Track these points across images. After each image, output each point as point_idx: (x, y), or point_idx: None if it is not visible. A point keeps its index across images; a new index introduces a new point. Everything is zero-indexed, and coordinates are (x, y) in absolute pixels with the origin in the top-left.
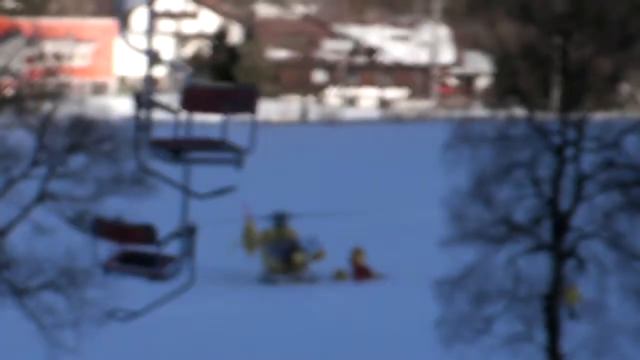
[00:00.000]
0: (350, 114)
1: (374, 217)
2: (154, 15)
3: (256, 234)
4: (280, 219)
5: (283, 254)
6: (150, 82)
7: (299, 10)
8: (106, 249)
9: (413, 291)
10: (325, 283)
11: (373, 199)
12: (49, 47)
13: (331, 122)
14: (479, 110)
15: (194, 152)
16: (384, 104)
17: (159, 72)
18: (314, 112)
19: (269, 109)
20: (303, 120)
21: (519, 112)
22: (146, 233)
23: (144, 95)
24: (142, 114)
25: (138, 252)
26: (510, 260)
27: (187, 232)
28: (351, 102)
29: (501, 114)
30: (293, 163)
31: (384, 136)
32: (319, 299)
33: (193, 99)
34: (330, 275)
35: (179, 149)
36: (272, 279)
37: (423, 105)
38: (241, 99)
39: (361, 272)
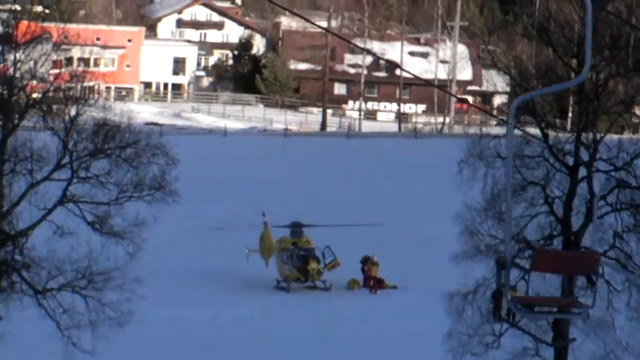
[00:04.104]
0: (368, 126)
1: (389, 229)
2: (180, 24)
3: (272, 242)
4: (296, 228)
5: (298, 263)
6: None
7: (322, 23)
8: None
9: (425, 303)
10: (339, 292)
11: (389, 212)
12: (76, 52)
13: (349, 135)
14: (494, 128)
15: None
16: (400, 117)
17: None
18: (333, 123)
19: (289, 120)
20: (322, 131)
21: (534, 131)
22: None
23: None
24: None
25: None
26: (520, 276)
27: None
28: (370, 115)
29: (516, 132)
30: (312, 173)
31: (401, 150)
32: (332, 307)
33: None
34: (344, 284)
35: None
36: (286, 286)
37: (440, 120)
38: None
39: (374, 283)
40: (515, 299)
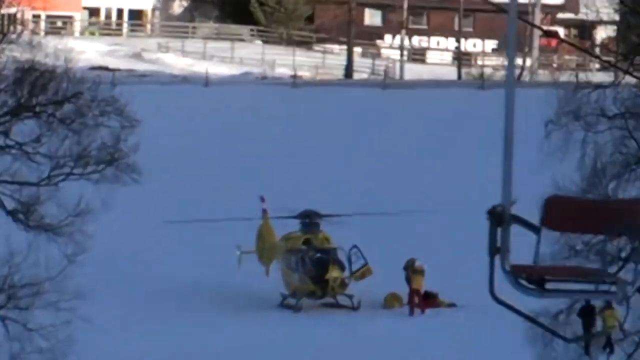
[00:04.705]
0: (414, 72)
1: (442, 221)
2: None
3: (275, 240)
4: (310, 220)
5: (313, 269)
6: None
7: None
8: None
9: (496, 327)
10: (373, 312)
11: (442, 195)
12: None
13: (387, 84)
14: (596, 74)
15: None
16: (461, 59)
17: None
18: (363, 67)
19: (299, 62)
20: (347, 79)
21: None
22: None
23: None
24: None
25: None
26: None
27: None
28: (416, 55)
29: (629, 79)
30: (332, 139)
31: (461, 105)
32: (362, 333)
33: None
34: (380, 301)
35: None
36: (295, 304)
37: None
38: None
39: (421, 299)
40: (516, 270)
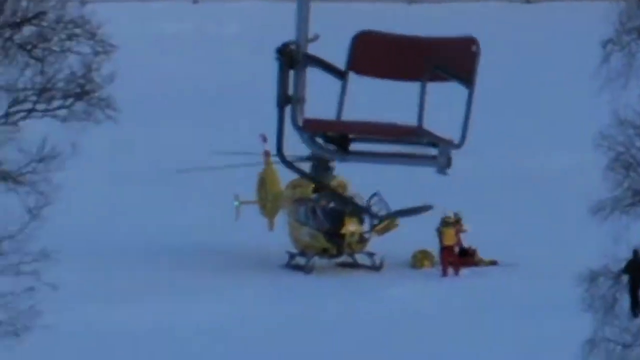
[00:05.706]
0: None
1: (478, 162)
2: None
3: (280, 188)
4: (323, 163)
5: (327, 222)
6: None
7: None
8: None
9: (545, 290)
10: (398, 273)
11: (481, 132)
12: None
13: None
14: None
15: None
16: None
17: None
18: None
19: None
20: None
21: None
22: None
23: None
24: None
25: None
26: None
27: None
28: None
29: None
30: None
31: (501, 23)
32: (385, 299)
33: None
34: (406, 259)
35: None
36: (306, 264)
37: None
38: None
39: (457, 257)
40: (311, 126)
